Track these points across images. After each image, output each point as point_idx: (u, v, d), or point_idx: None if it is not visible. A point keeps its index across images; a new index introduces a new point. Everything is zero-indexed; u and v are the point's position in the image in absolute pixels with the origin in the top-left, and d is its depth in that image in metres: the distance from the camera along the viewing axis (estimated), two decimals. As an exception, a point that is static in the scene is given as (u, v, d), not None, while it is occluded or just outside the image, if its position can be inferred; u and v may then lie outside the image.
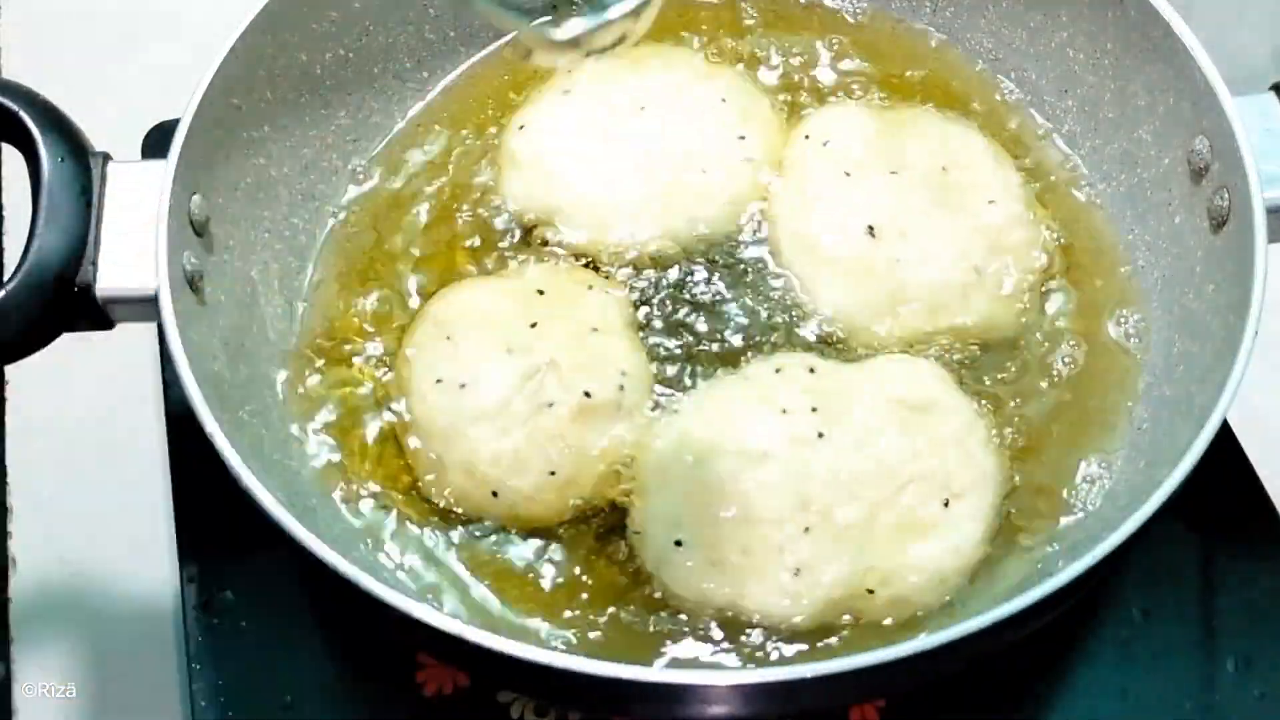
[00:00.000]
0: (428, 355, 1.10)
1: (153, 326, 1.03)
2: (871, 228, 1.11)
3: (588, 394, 1.06)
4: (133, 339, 1.16)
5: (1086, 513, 1.05)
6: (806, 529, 0.99)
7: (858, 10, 1.30)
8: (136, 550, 1.21)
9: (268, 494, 0.92)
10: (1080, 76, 1.21)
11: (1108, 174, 1.20)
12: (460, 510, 1.06)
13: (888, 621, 1.00)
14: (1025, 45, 1.25)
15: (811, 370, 1.06)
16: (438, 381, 1.08)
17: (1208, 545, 1.15)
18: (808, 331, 1.11)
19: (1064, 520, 1.05)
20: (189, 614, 1.11)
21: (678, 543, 1.01)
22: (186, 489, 1.17)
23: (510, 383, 1.06)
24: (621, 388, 1.07)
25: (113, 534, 1.23)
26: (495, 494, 1.05)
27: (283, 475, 1.04)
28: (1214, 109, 1.06)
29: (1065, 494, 1.06)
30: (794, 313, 1.12)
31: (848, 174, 1.14)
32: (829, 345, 1.11)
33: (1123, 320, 1.13)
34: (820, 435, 1.02)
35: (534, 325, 1.09)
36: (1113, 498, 1.05)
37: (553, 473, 1.05)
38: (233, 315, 1.09)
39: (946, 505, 1.01)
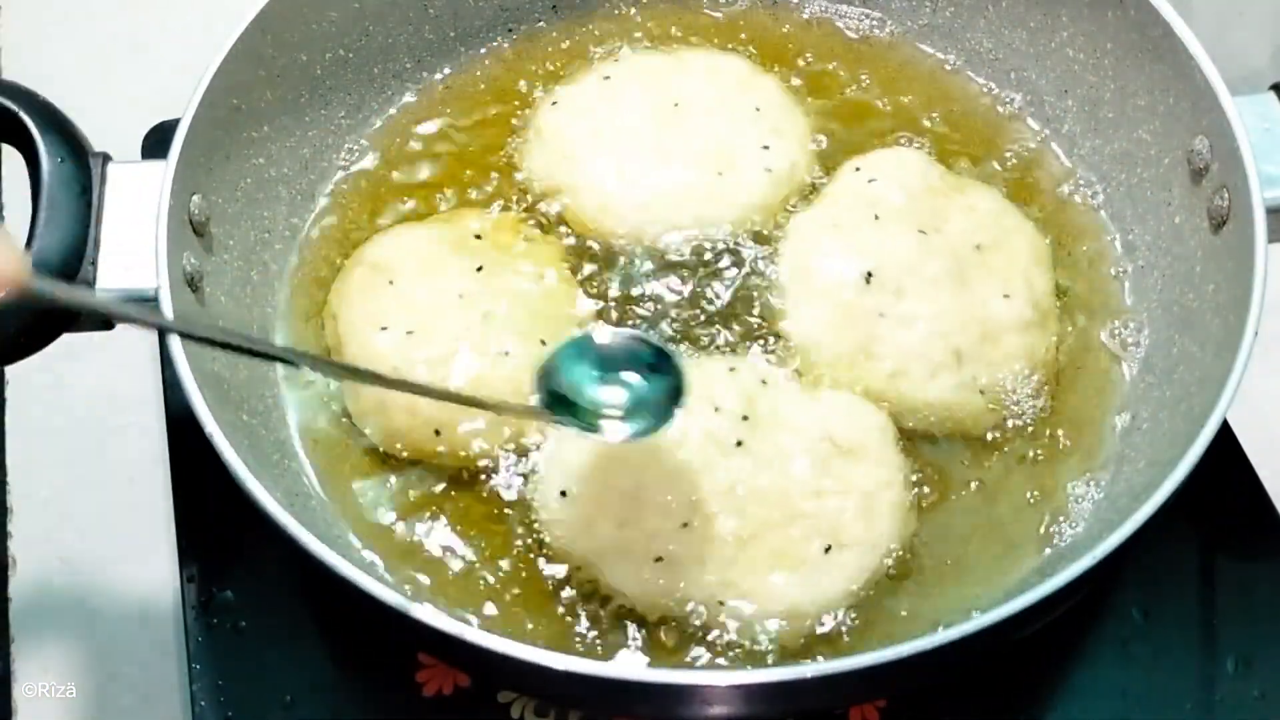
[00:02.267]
0: (369, 301, 1.10)
1: (153, 327, 1.03)
2: (870, 274, 1.09)
3: (544, 342, 1.07)
4: (133, 339, 1.16)
5: (1085, 520, 1.05)
6: (685, 525, 0.99)
7: (857, 25, 1.30)
8: (136, 550, 1.22)
9: (267, 494, 0.92)
10: (1080, 76, 1.21)
11: (1107, 174, 1.20)
12: (401, 453, 1.07)
13: (731, 640, 0.99)
14: (1025, 45, 1.24)
15: (764, 382, 1.05)
16: (383, 329, 1.08)
17: (1208, 545, 1.15)
18: (769, 351, 1.10)
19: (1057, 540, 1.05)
20: (189, 614, 1.11)
21: (563, 493, 1.01)
22: (186, 489, 1.17)
23: (462, 329, 1.07)
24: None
25: (113, 534, 1.23)
26: (438, 432, 1.05)
27: (282, 475, 1.04)
28: (1214, 109, 1.06)
29: (1057, 520, 1.05)
30: (763, 327, 1.11)
31: (877, 217, 1.12)
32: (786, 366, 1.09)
33: (1117, 332, 1.13)
34: (739, 443, 1.01)
35: (480, 269, 1.10)
36: (1112, 499, 1.05)
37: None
38: (233, 315, 1.09)
39: (827, 551, 0.99)
